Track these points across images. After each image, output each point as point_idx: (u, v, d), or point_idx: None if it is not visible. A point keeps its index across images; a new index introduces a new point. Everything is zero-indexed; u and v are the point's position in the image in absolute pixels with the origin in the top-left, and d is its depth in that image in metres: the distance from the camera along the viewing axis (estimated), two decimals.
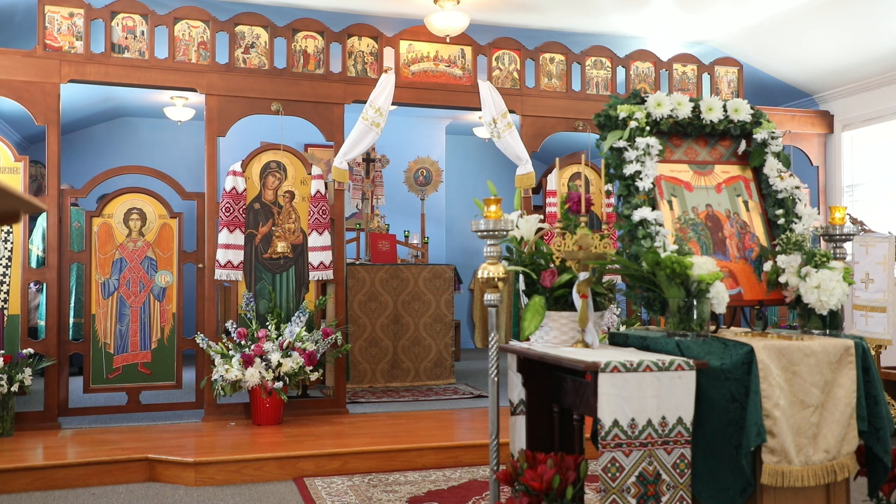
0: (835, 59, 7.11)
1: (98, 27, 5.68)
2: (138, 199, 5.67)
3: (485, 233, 3.14)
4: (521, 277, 3.24)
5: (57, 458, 4.49)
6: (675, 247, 3.04)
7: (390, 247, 7.73)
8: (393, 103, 6.02)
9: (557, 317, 3.13)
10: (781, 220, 3.35)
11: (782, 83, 7.83)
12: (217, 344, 5.52)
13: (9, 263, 5.37)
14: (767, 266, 3.24)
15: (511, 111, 6.27)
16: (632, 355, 2.77)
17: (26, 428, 5.24)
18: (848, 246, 5.03)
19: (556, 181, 4.92)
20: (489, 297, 3.21)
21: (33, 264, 6.26)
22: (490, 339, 3.23)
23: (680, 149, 3.48)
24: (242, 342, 5.43)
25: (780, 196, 3.39)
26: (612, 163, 3.32)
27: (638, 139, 3.27)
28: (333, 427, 5.41)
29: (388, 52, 6.10)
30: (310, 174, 5.90)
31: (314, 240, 5.81)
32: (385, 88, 5.94)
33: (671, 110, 3.39)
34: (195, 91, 5.76)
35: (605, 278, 3.25)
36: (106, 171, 5.75)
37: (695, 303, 2.86)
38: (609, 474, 2.57)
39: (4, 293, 5.35)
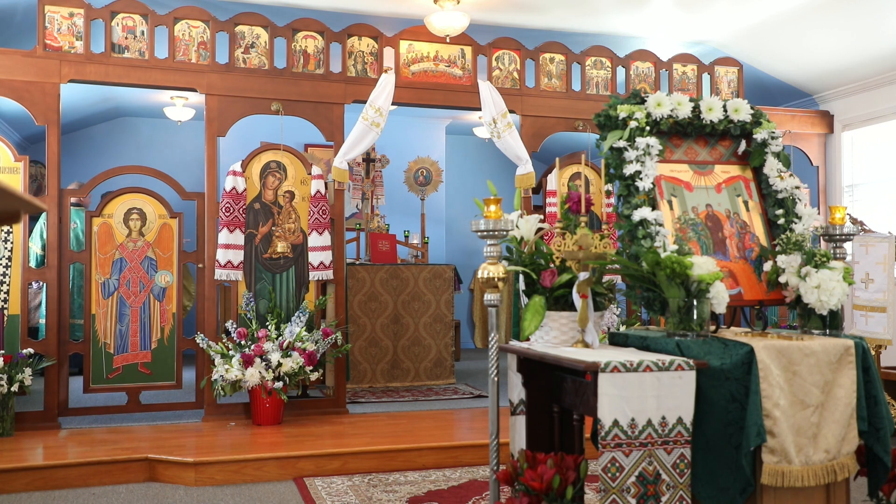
0: (835, 59, 7.10)
1: (98, 27, 5.68)
2: (138, 199, 5.67)
3: (485, 233, 3.15)
4: (521, 277, 3.24)
5: (57, 458, 4.49)
6: (675, 247, 3.04)
7: (390, 247, 7.73)
8: (393, 103, 6.02)
9: (557, 317, 3.13)
10: (781, 220, 3.35)
11: (782, 83, 7.83)
12: (217, 344, 5.52)
13: (9, 263, 5.37)
14: (767, 266, 3.24)
15: (511, 111, 6.27)
16: (632, 355, 2.77)
17: (26, 428, 5.24)
18: (848, 246, 5.03)
19: (556, 181, 4.92)
20: (489, 297, 3.21)
21: (33, 264, 6.27)
22: (490, 339, 3.23)
23: (680, 149, 3.48)
24: (242, 342, 5.43)
25: (780, 196, 3.39)
26: (612, 163, 3.32)
27: (638, 139, 3.27)
28: (333, 427, 5.41)
29: (388, 52, 6.10)
30: (310, 174, 5.90)
31: (314, 240, 5.81)
32: (385, 88, 5.94)
33: (671, 110, 3.39)
34: (195, 91, 5.76)
35: (605, 278, 3.25)
36: (106, 171, 5.75)
37: (695, 303, 2.87)
38: (609, 474, 2.57)
39: (4, 293, 5.35)
